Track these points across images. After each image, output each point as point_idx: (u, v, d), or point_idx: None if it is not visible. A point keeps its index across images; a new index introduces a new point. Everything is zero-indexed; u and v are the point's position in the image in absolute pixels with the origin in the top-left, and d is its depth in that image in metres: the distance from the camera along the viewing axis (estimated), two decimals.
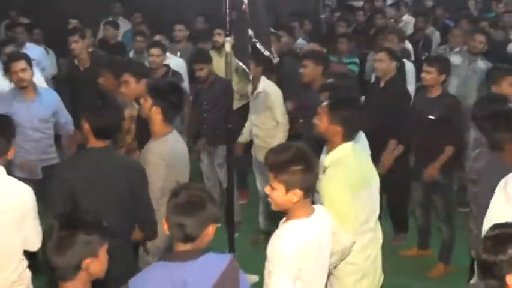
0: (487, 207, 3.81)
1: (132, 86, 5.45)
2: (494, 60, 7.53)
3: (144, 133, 4.81)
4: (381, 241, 4.29)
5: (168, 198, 3.01)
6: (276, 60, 7.35)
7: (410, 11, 12.67)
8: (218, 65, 7.24)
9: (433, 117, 6.04)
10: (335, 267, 3.91)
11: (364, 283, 4.09)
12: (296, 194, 3.22)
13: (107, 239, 2.83)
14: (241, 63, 5.44)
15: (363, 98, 7.15)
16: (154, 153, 4.45)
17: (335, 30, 10.11)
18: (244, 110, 7.27)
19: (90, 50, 8.16)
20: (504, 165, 4.05)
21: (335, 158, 3.99)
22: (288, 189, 3.22)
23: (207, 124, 7.04)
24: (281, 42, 8.48)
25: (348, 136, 4.02)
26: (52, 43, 9.32)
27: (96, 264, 2.79)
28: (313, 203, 3.66)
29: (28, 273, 3.97)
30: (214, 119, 6.87)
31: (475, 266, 4.10)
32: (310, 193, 3.34)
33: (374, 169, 4.25)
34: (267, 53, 5.58)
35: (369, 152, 4.77)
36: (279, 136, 6.61)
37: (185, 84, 7.94)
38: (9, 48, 7.64)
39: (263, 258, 3.31)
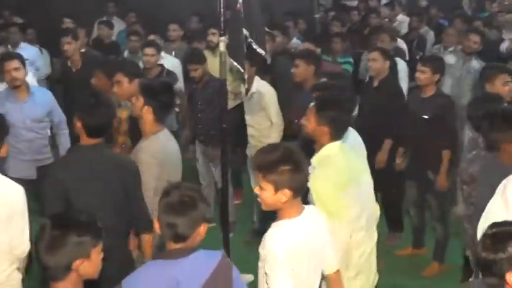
0: (483, 208, 3.81)
1: (125, 86, 5.46)
2: (488, 59, 7.56)
3: (137, 132, 4.81)
4: (375, 238, 4.29)
5: (159, 197, 3.02)
6: (269, 60, 7.36)
7: (405, 10, 12.68)
8: (212, 64, 7.22)
9: (426, 117, 6.05)
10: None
11: (358, 280, 4.09)
12: (285, 194, 3.23)
13: (100, 240, 2.83)
14: (235, 63, 5.43)
15: (357, 97, 7.18)
16: (146, 152, 4.46)
17: (329, 30, 10.11)
18: (239, 110, 7.26)
19: (83, 50, 8.15)
20: (501, 166, 4.05)
21: (323, 157, 4.00)
22: (277, 189, 3.23)
23: (201, 124, 7.04)
24: (276, 42, 8.47)
25: (336, 136, 4.03)
26: (46, 43, 9.30)
27: (88, 266, 2.78)
28: (308, 203, 3.67)
29: (17, 275, 3.93)
30: (208, 119, 6.86)
31: (470, 265, 4.12)
32: (300, 193, 3.34)
33: (365, 168, 4.24)
34: (262, 52, 5.57)
35: (362, 151, 4.76)
36: (274, 136, 6.61)
37: (180, 84, 7.94)
38: (3, 48, 7.63)
39: (258, 258, 3.32)
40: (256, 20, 5.50)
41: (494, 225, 2.82)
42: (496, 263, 2.67)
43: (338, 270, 3.67)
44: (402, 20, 11.72)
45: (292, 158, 3.24)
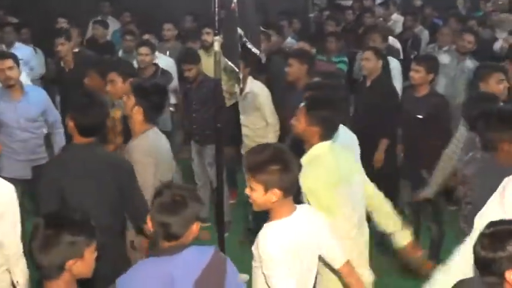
0: (481, 208, 3.80)
1: (119, 85, 5.47)
2: (481, 58, 7.57)
3: (130, 132, 4.83)
4: (367, 235, 4.30)
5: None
6: (264, 59, 7.35)
7: (399, 9, 12.70)
8: (206, 64, 7.22)
9: (420, 116, 6.06)
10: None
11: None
12: (275, 194, 3.24)
13: (94, 239, 2.83)
14: (230, 63, 5.43)
15: (352, 97, 7.20)
16: (138, 151, 4.46)
17: (324, 29, 10.12)
18: (233, 109, 7.25)
19: (77, 50, 8.15)
20: (499, 166, 4.04)
21: (312, 156, 3.99)
22: (266, 190, 3.24)
23: (196, 124, 7.03)
24: (271, 41, 8.48)
25: (326, 136, 4.01)
26: (40, 42, 9.28)
27: (81, 265, 2.78)
28: (300, 203, 3.67)
29: (7, 276, 3.91)
30: (203, 118, 6.87)
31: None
32: (290, 193, 3.34)
33: (356, 167, 4.23)
34: (256, 51, 5.57)
35: (355, 149, 4.75)
36: (270, 136, 6.61)
37: (175, 84, 7.94)
38: None
39: (253, 257, 3.33)
40: (251, 19, 5.50)
41: (492, 224, 2.82)
42: (495, 261, 2.68)
43: (348, 261, 3.67)
44: (397, 19, 11.74)
45: (281, 158, 3.25)
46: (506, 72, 5.90)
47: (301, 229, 3.36)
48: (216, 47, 5.31)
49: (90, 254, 2.82)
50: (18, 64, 5.95)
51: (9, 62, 5.85)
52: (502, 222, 2.83)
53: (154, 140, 4.58)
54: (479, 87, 5.74)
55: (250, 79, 6.74)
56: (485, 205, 3.56)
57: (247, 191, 3.35)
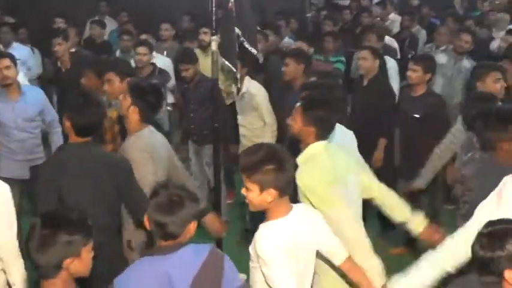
0: None
1: (116, 85, 5.46)
2: (478, 58, 7.58)
3: (126, 131, 4.83)
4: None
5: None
6: (261, 59, 7.35)
7: (396, 9, 12.70)
8: (204, 64, 7.23)
9: (417, 116, 6.07)
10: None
11: (344, 279, 4.08)
12: (271, 194, 3.24)
13: (91, 238, 2.83)
14: (227, 62, 5.43)
15: (349, 96, 7.20)
16: (134, 149, 4.46)
17: (321, 29, 10.12)
18: (231, 109, 7.26)
19: (74, 49, 8.15)
20: (498, 165, 4.03)
21: (308, 155, 3.99)
22: (262, 190, 3.24)
23: (194, 124, 7.03)
24: (269, 41, 8.48)
25: (321, 136, 4.01)
26: (37, 42, 9.27)
27: (78, 264, 2.79)
28: (297, 202, 3.67)
29: (3, 276, 3.90)
30: (201, 118, 6.87)
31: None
32: (286, 192, 3.33)
33: (353, 167, 4.21)
34: (254, 51, 5.58)
35: (352, 148, 4.74)
36: (268, 136, 6.60)
37: (172, 83, 7.95)
38: None
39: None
40: (247, 19, 5.51)
41: (490, 223, 2.82)
42: (493, 261, 2.68)
43: (349, 257, 3.66)
44: (394, 19, 11.75)
45: (276, 158, 3.25)
46: (503, 71, 5.91)
47: (298, 229, 3.36)
48: (214, 46, 5.31)
49: (87, 253, 2.82)
50: (15, 64, 5.95)
51: (6, 61, 5.85)
52: (500, 221, 2.83)
53: (149, 137, 4.59)
54: (476, 87, 5.75)
55: (247, 79, 6.74)
56: (480, 206, 3.55)
57: (243, 191, 3.35)
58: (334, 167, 4.00)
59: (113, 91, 5.45)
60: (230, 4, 5.25)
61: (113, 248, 4.15)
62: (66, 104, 4.39)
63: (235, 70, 5.64)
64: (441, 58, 7.67)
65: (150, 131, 4.64)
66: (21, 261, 3.82)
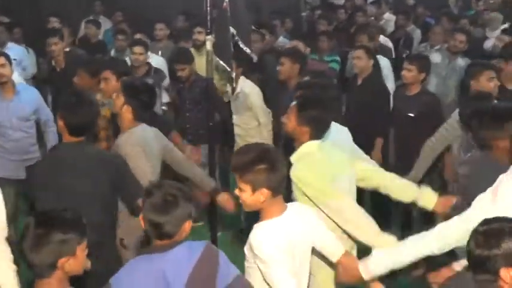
0: None
1: (112, 83, 5.48)
2: (472, 57, 7.60)
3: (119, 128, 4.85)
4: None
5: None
6: (255, 58, 7.33)
7: (391, 8, 12.73)
8: (198, 63, 7.23)
9: (412, 115, 6.08)
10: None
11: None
12: (263, 194, 3.25)
13: (85, 236, 2.83)
14: (221, 62, 5.43)
15: (344, 96, 7.21)
16: (126, 144, 4.50)
17: (316, 28, 10.13)
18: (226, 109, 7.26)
19: (68, 49, 8.14)
20: (494, 163, 4.03)
21: (302, 154, 4.00)
22: (254, 189, 3.25)
23: (189, 123, 7.03)
24: (265, 41, 8.48)
25: (316, 136, 4.02)
26: (32, 42, 9.25)
27: (73, 263, 2.79)
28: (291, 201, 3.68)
29: None
30: (196, 118, 6.86)
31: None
32: (278, 192, 3.34)
33: (347, 166, 4.22)
34: (248, 50, 5.58)
35: (348, 146, 4.74)
36: (264, 136, 6.60)
37: (167, 82, 7.94)
38: None
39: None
40: (242, 18, 5.51)
41: (486, 221, 2.82)
42: (489, 259, 2.68)
43: (346, 252, 3.68)
44: (389, 19, 11.76)
45: (267, 157, 3.25)
46: (497, 70, 5.93)
47: (293, 228, 3.36)
48: (208, 46, 5.31)
49: (81, 252, 2.82)
50: (10, 62, 5.94)
51: (1, 60, 5.85)
52: (496, 219, 2.83)
53: (141, 133, 4.64)
54: (470, 85, 5.76)
55: (242, 79, 6.74)
56: (474, 203, 3.56)
57: (236, 191, 3.36)
58: (328, 165, 4.01)
59: (109, 90, 5.46)
60: (225, 4, 5.26)
61: (108, 247, 4.15)
62: (59, 103, 4.38)
63: (229, 70, 5.64)
64: (435, 57, 7.68)
65: (142, 129, 4.67)
66: (11, 263, 3.77)
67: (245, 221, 6.77)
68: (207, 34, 5.33)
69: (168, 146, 4.90)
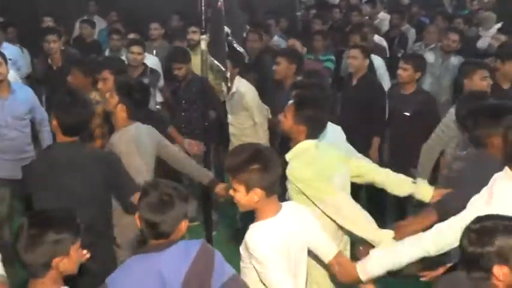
0: None
1: (110, 83, 5.45)
2: (466, 55, 7.62)
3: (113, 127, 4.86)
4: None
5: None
6: (247, 58, 7.31)
7: (386, 8, 12.75)
8: (193, 63, 7.22)
9: (408, 114, 6.09)
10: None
11: (332, 276, 4.08)
12: (257, 194, 3.25)
13: (79, 236, 2.83)
14: (216, 61, 5.44)
15: (339, 95, 7.21)
16: (120, 141, 4.53)
17: (311, 28, 10.14)
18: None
19: (62, 48, 8.12)
20: (490, 161, 4.04)
21: (297, 152, 4.02)
22: (248, 190, 3.25)
23: (185, 123, 7.02)
24: (263, 41, 8.48)
25: (312, 135, 4.03)
26: (26, 42, 9.24)
27: (67, 263, 2.80)
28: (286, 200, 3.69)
29: None
30: (192, 117, 6.85)
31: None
32: (272, 192, 3.34)
33: (342, 165, 4.23)
34: (241, 49, 5.58)
35: (343, 146, 4.76)
36: (260, 135, 6.59)
37: (161, 82, 7.93)
38: None
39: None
40: (236, 17, 5.51)
41: (479, 219, 2.82)
42: (483, 256, 2.67)
43: (339, 252, 3.68)
44: (383, 18, 11.79)
45: (261, 157, 3.25)
46: (490, 69, 5.94)
47: (288, 228, 3.36)
48: (203, 45, 5.31)
49: (75, 251, 2.83)
50: (6, 61, 5.93)
51: None
52: (489, 217, 2.83)
53: (135, 131, 4.66)
54: (463, 84, 5.78)
55: (237, 78, 6.73)
56: (470, 202, 3.57)
57: (231, 192, 3.36)
58: (324, 163, 4.02)
59: (106, 90, 5.44)
60: (219, 3, 5.26)
61: (103, 246, 4.14)
62: (54, 103, 4.38)
63: (224, 69, 5.64)
64: (429, 57, 7.71)
65: (136, 127, 4.69)
66: None
67: (241, 221, 6.78)
68: (202, 34, 5.33)
69: (162, 142, 4.91)
